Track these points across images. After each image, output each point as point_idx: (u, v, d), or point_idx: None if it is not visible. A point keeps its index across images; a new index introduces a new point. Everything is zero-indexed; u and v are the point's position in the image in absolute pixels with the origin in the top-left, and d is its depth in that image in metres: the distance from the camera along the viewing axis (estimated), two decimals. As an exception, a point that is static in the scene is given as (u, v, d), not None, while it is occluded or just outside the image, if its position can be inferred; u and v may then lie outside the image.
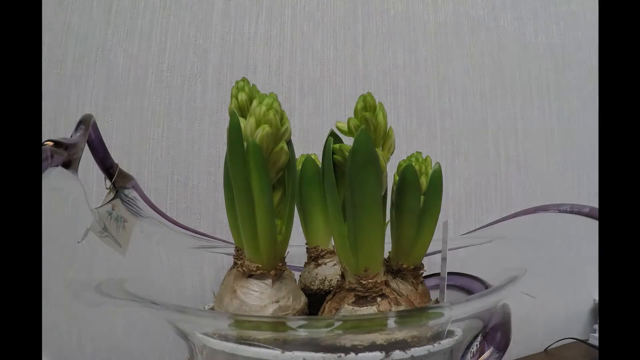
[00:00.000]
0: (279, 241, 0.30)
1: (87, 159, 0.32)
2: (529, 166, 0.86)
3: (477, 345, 0.27)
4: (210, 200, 0.56)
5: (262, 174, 0.27)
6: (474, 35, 0.82)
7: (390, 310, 0.28)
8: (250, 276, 0.29)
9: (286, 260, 0.31)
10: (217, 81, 0.58)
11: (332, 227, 0.30)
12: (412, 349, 0.25)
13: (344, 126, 0.29)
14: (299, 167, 0.38)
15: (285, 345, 0.24)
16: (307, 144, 0.63)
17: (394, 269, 0.32)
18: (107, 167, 0.35)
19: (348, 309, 0.28)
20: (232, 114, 0.27)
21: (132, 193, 0.37)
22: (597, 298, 0.84)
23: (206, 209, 0.55)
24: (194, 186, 0.55)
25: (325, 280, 0.38)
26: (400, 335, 0.25)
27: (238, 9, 0.60)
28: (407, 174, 0.30)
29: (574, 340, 0.78)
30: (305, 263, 0.40)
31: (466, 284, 0.35)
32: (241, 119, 0.28)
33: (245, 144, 0.27)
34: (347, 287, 0.29)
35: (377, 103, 0.28)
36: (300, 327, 0.24)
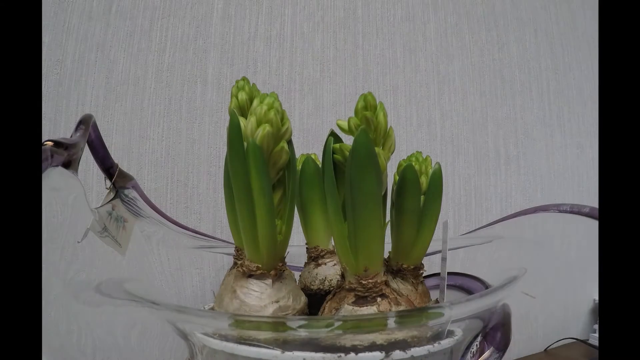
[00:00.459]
0: (279, 241, 0.30)
1: (87, 159, 0.32)
2: (529, 166, 0.86)
3: (477, 345, 0.27)
4: (210, 200, 0.56)
5: (262, 174, 0.27)
6: (474, 35, 0.82)
7: (390, 310, 0.28)
8: (250, 276, 0.29)
9: (286, 260, 0.31)
10: (217, 81, 0.58)
11: (332, 227, 0.30)
12: (412, 349, 0.25)
13: (345, 124, 0.29)
14: (299, 167, 0.38)
15: (285, 345, 0.24)
16: (307, 144, 0.63)
17: (394, 269, 0.32)
18: (107, 167, 0.35)
19: (348, 309, 0.28)
20: (232, 114, 0.27)
21: (132, 193, 0.37)
22: (597, 298, 0.84)
23: (206, 209, 0.55)
24: (194, 186, 0.55)
25: (325, 280, 0.38)
26: (400, 335, 0.25)
27: (238, 9, 0.60)
28: (407, 174, 0.30)
29: (574, 340, 0.78)
30: (305, 263, 0.40)
31: (466, 284, 0.35)
32: (241, 119, 0.28)
33: (245, 143, 0.27)
34: (347, 287, 0.29)
35: (377, 102, 0.28)
36: (300, 327, 0.24)
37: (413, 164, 0.31)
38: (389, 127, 0.29)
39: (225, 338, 0.25)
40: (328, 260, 0.39)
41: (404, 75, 0.73)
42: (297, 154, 0.37)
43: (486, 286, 0.34)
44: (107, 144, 0.34)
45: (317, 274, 0.38)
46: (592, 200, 0.93)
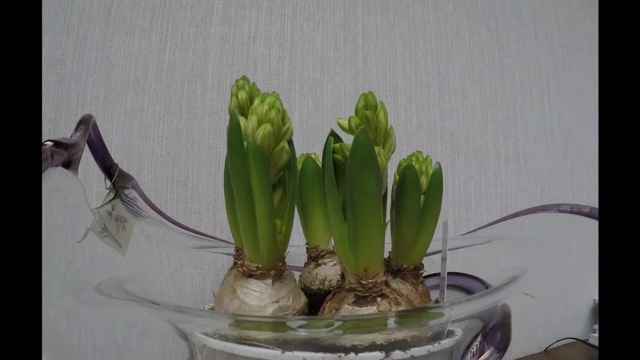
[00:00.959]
0: (279, 241, 0.30)
1: (87, 159, 0.32)
2: (529, 166, 0.86)
3: (477, 345, 0.27)
4: (210, 200, 0.56)
5: (262, 174, 0.27)
6: (474, 35, 0.82)
7: (390, 310, 0.28)
8: (250, 276, 0.29)
9: (286, 260, 0.31)
10: (217, 81, 0.58)
11: (332, 227, 0.30)
12: (412, 349, 0.25)
13: (345, 123, 0.29)
14: (299, 167, 0.38)
15: (285, 345, 0.24)
16: (307, 143, 0.63)
17: (394, 269, 0.32)
18: (107, 167, 0.35)
19: (348, 309, 0.28)
20: (232, 113, 0.27)
21: (132, 193, 0.37)
22: (597, 298, 0.84)
23: (206, 209, 0.55)
24: (194, 186, 0.55)
25: (325, 280, 0.38)
26: (400, 335, 0.25)
27: (238, 9, 0.60)
28: (407, 174, 0.30)
29: (574, 340, 0.78)
30: (305, 263, 0.40)
31: (466, 284, 0.35)
32: (241, 118, 0.28)
33: (245, 143, 0.27)
34: (347, 287, 0.29)
35: (378, 102, 0.28)
36: (300, 327, 0.24)
37: (413, 163, 0.31)
38: (389, 126, 0.29)
39: (225, 338, 0.25)
40: (328, 260, 0.39)
41: (404, 75, 0.73)
42: (297, 154, 0.36)
43: (486, 286, 0.33)
44: (107, 144, 0.34)
45: (317, 274, 0.38)
46: (592, 200, 0.93)
